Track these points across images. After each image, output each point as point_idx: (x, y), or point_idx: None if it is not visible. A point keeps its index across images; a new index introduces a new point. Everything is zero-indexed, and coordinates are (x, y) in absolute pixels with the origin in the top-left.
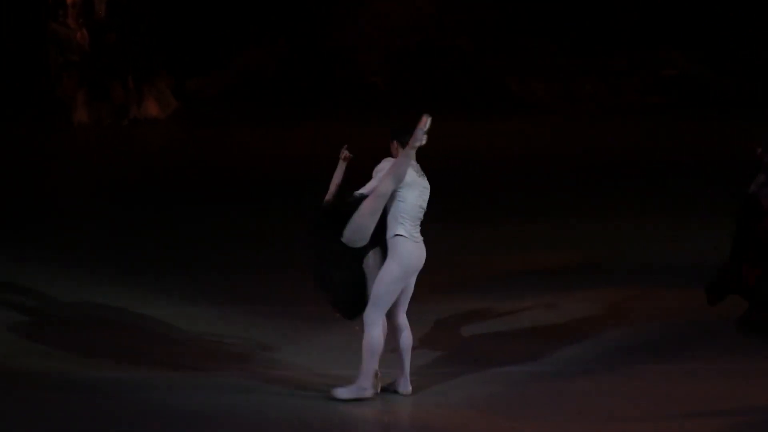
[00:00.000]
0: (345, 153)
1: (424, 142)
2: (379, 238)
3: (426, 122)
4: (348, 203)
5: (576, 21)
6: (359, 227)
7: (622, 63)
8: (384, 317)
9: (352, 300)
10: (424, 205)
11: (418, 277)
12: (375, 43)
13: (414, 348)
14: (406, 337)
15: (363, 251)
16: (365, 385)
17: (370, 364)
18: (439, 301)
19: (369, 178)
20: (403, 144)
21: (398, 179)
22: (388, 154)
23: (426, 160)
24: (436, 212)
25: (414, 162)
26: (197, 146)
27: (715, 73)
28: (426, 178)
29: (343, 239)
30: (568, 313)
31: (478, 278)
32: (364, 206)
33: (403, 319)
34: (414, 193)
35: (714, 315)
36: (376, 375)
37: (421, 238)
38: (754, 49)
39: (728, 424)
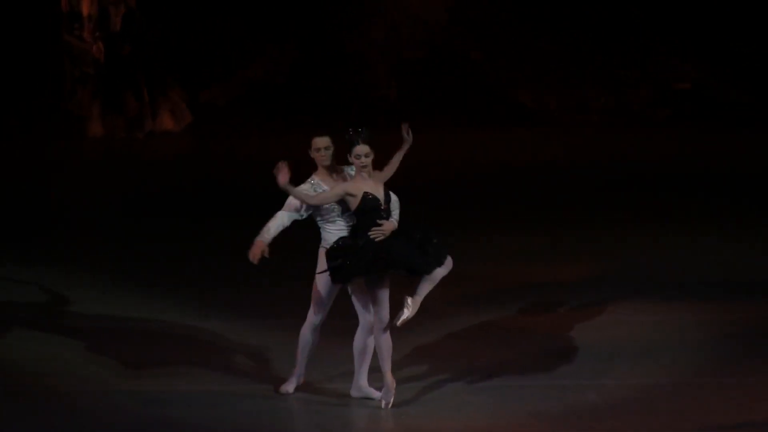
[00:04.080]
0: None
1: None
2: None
3: None
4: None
5: (587, 32)
6: None
7: (633, 75)
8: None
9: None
10: None
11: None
12: (386, 54)
13: (424, 360)
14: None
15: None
16: (295, 372)
17: (299, 356)
18: (450, 313)
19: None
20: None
21: None
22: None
23: (437, 171)
24: (446, 223)
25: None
26: (210, 158)
27: (727, 87)
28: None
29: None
30: (578, 326)
31: (487, 290)
32: None
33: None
34: None
35: (727, 328)
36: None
37: None
38: (766, 63)
39: None
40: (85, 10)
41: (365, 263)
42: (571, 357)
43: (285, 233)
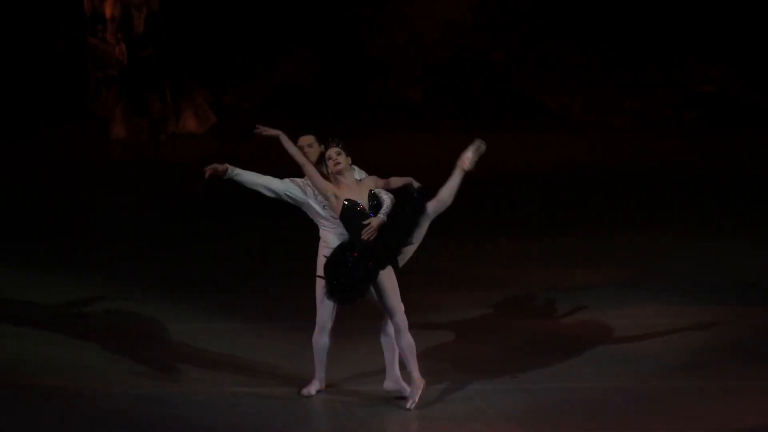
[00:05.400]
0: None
1: None
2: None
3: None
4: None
5: (610, 35)
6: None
7: (658, 78)
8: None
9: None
10: None
11: (451, 289)
12: (410, 57)
13: (443, 362)
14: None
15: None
16: (316, 375)
17: (316, 361)
18: (468, 313)
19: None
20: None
21: None
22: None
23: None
24: (468, 226)
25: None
26: (233, 160)
27: (751, 90)
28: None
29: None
30: (588, 329)
31: (508, 292)
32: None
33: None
34: None
35: (733, 331)
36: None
37: None
38: None
39: None
40: (108, 12)
41: (363, 280)
42: (581, 359)
43: (299, 235)
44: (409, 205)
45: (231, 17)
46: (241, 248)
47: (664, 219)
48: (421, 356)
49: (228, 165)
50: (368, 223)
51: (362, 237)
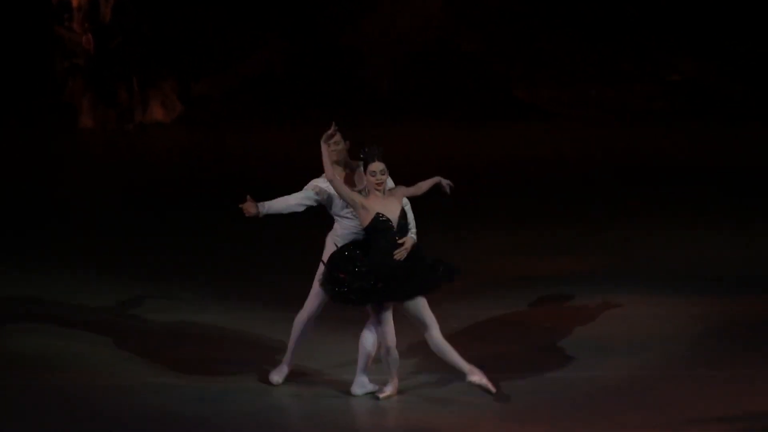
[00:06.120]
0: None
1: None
2: None
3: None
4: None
5: (582, 26)
6: None
7: (628, 68)
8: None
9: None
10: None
11: None
12: (382, 47)
13: (424, 354)
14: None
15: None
16: (285, 360)
17: (291, 344)
18: (453, 306)
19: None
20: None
21: None
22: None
23: (433, 166)
24: (448, 219)
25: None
26: (202, 150)
27: (722, 79)
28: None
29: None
30: (576, 320)
31: (486, 284)
32: None
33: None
34: None
35: (723, 323)
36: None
37: None
38: (761, 55)
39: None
40: (75, 1)
41: (362, 292)
42: (571, 350)
43: (297, 228)
44: (449, 272)
45: (204, 6)
46: (213, 239)
47: (637, 210)
48: (407, 349)
49: (257, 204)
50: (402, 243)
51: (395, 257)
